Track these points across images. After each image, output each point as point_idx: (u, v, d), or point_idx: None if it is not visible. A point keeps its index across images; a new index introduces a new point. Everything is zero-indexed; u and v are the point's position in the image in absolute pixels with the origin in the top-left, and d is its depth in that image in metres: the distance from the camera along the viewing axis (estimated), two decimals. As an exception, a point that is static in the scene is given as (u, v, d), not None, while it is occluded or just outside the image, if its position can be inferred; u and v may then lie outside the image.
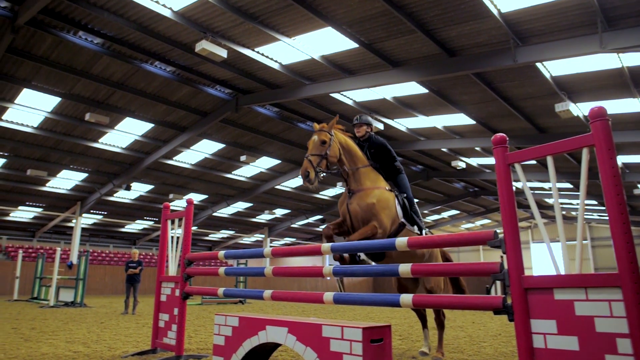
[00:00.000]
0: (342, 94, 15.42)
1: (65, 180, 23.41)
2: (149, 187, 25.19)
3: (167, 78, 14.42)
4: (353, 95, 15.68)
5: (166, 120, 17.53)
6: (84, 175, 22.68)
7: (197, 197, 27.49)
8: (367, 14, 10.79)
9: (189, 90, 15.52)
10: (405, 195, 4.81)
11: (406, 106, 15.99)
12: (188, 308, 13.25)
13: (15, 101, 15.40)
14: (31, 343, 5.74)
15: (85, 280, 13.56)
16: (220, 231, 35.97)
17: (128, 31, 12.16)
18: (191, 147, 20.04)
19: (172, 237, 5.38)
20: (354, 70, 13.56)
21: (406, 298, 3.05)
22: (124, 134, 18.30)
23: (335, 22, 11.15)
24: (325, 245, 3.80)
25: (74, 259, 24.47)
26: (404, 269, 3.17)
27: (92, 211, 28.30)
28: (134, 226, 33.59)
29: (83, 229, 30.70)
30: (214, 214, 30.04)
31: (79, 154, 19.95)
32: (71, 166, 21.43)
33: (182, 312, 4.95)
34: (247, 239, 39.52)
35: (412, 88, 14.41)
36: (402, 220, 4.56)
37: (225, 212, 30.72)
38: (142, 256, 32.16)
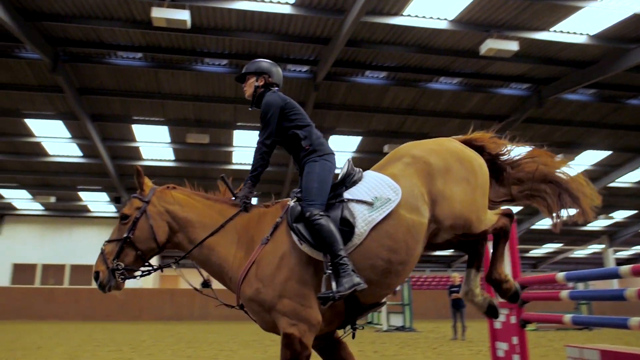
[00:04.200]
0: (688, 46, 12.26)
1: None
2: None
3: (455, 91, 14.77)
4: None
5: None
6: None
7: (508, 210, 26.58)
8: None
9: (481, 97, 15.42)
10: (300, 209, 2.90)
11: None
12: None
13: (326, 148, 18.71)
14: None
15: (411, 306, 14.91)
16: (544, 245, 33.53)
17: (408, 57, 13.15)
18: (492, 157, 19.67)
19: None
20: (701, 8, 10.63)
21: None
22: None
23: (657, -43, 9.09)
24: None
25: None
26: None
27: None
28: (446, 248, 35.01)
29: (399, 256, 33.96)
30: (532, 226, 28.32)
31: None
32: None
33: (523, 341, 4.75)
34: (581, 252, 35.39)
35: None
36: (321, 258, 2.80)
37: (546, 223, 28.55)
38: (462, 279, 32.97)
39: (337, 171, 3.16)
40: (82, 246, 24.22)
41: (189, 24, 10.51)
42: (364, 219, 2.86)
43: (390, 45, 12.57)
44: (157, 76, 14.07)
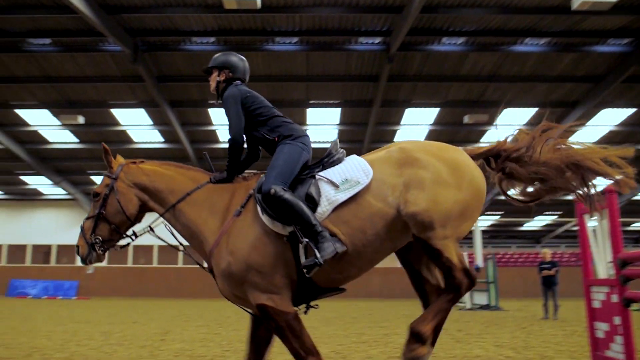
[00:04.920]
0: None
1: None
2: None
3: (543, 52, 13.84)
4: None
5: (550, 100, 16.76)
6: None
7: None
8: None
9: (572, 57, 14.34)
10: (267, 185, 2.91)
11: None
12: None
13: (401, 122, 18.37)
14: (462, 345, 6.46)
15: (496, 283, 14.51)
16: (648, 218, 31.11)
17: (489, 18, 12.47)
18: (587, 123, 18.31)
19: (594, 232, 4.97)
20: None
21: None
22: (506, 127, 18.65)
23: None
24: None
25: (479, 262, 26.54)
26: None
27: (487, 212, 30.06)
28: (534, 223, 33.44)
29: (482, 231, 32.95)
30: (635, 197, 26.26)
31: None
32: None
33: (627, 322, 4.46)
34: (693, 224, 32.40)
35: None
36: (289, 230, 2.87)
37: (650, 193, 26.36)
38: (552, 255, 31.51)
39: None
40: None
41: (259, 4, 10.65)
42: (328, 199, 2.91)
43: (469, 7, 11.98)
44: (230, 59, 14.45)
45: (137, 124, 18.55)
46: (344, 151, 3.23)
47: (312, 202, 2.92)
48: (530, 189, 3.31)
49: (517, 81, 15.44)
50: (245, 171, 3.41)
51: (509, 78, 15.36)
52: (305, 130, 3.30)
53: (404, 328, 8.13)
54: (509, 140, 3.31)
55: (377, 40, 13.57)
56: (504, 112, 17.62)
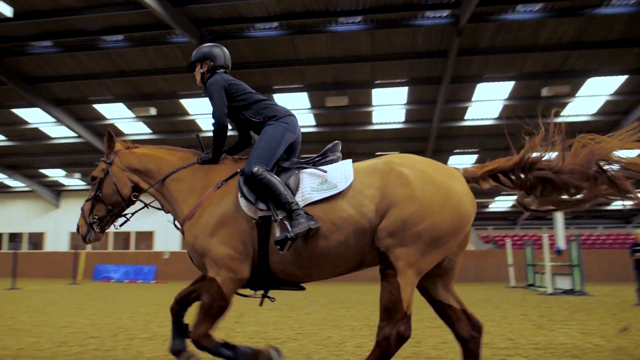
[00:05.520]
0: None
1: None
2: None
3: (633, 12, 12.75)
4: None
5: (642, 67, 15.47)
6: (553, 155, 23.21)
7: None
8: None
9: (666, 17, 13.11)
10: (249, 166, 3.08)
11: None
12: None
13: (473, 99, 17.70)
14: (545, 331, 6.22)
15: (581, 267, 13.77)
16: None
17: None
18: (685, 90, 16.78)
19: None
20: None
21: None
22: (590, 98, 17.48)
23: None
24: None
25: (560, 244, 25.27)
26: None
27: (571, 192, 28.49)
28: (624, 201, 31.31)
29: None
30: None
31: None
32: (539, 148, 22.41)
33: None
34: None
35: None
36: (260, 215, 3.01)
37: None
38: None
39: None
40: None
41: (320, -16, 10.62)
42: (303, 195, 3.01)
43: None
44: (294, 43, 14.56)
45: (205, 113, 19.19)
46: (340, 155, 3.34)
47: None
48: (562, 199, 3.02)
49: (603, 47, 14.36)
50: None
51: (594, 44, 14.32)
52: (290, 110, 3.47)
53: (479, 313, 7.95)
54: (521, 152, 3.12)
55: (445, 13, 13.10)
56: (587, 83, 16.51)
